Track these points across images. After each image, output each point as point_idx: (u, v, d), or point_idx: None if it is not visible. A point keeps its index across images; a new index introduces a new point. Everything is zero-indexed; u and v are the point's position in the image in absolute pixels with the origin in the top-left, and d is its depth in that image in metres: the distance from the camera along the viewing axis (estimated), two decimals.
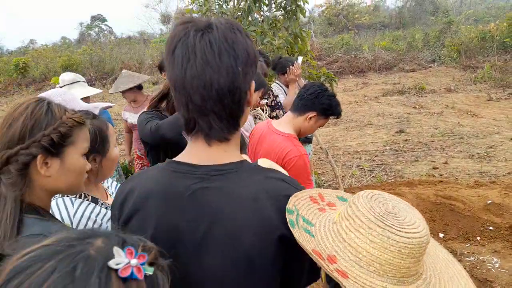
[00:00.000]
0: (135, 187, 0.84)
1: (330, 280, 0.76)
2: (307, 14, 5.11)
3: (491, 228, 3.38)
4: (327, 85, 4.54)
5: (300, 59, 3.74)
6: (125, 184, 0.89)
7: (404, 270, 0.67)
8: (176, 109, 0.85)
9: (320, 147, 4.58)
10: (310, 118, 1.87)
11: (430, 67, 13.19)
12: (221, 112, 0.77)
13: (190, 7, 4.54)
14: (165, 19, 31.32)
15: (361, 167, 5.02)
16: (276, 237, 0.78)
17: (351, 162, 5.21)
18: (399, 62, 13.79)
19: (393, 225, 0.67)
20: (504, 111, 7.48)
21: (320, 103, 1.85)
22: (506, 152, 5.17)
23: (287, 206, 0.76)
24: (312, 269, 0.92)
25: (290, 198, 0.78)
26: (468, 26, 15.23)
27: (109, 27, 36.30)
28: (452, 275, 0.74)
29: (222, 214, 0.77)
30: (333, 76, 4.57)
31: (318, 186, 4.46)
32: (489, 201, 3.61)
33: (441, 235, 3.41)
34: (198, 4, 4.39)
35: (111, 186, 1.54)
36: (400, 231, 0.66)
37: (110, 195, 1.45)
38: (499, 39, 11.84)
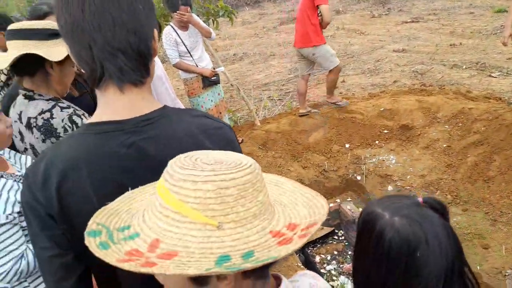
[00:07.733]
0: (53, 162, 0.74)
1: None
2: None
3: (385, 131, 3.93)
4: (226, 19, 4.47)
5: None
6: (36, 164, 0.75)
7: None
8: (75, 60, 0.75)
9: (231, 84, 4.63)
10: None
11: None
12: (128, 50, 0.72)
13: None
14: None
15: (272, 97, 5.25)
16: None
17: (261, 95, 5.40)
18: None
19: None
20: (386, 26, 8.26)
21: None
22: (390, 64, 5.83)
23: (87, 230, 0.59)
24: None
25: (92, 219, 0.63)
26: None
27: None
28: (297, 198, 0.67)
29: (165, 159, 0.71)
30: (231, 9, 4.49)
31: (235, 122, 4.58)
32: (382, 109, 4.14)
33: (347, 145, 3.87)
34: None
35: (14, 158, 1.44)
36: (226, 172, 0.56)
37: (12, 165, 1.38)
38: None
